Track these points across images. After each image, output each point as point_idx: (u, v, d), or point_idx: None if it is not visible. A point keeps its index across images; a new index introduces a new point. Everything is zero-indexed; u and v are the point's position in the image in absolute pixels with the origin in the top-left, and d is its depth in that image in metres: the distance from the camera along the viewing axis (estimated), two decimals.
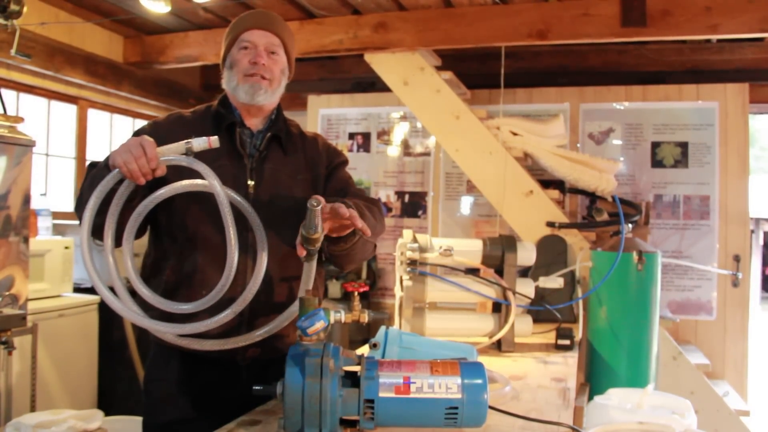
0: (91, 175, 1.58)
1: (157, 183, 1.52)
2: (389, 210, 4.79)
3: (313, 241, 1.45)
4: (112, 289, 1.52)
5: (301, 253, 1.50)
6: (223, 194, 1.48)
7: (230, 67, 1.78)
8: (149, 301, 1.53)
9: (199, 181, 1.53)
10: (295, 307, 1.63)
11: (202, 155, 1.51)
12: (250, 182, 1.71)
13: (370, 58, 3.93)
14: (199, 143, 1.50)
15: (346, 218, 1.45)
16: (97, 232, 1.50)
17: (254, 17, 1.81)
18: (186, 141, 1.50)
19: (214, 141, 1.51)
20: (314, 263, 1.57)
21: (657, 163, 4.36)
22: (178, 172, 1.54)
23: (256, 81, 1.73)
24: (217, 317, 1.50)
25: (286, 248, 1.71)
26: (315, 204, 1.37)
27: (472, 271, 2.50)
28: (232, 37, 1.78)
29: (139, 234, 1.63)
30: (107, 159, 1.52)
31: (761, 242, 13.70)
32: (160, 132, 1.70)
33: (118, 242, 1.52)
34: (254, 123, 1.80)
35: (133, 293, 1.56)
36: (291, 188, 1.76)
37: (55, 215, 3.89)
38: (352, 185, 1.90)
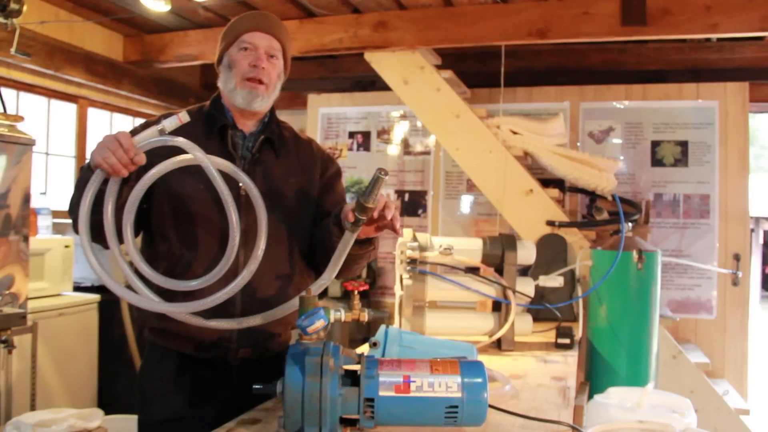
0: (77, 178, 1.59)
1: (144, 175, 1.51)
2: None
3: (367, 210, 1.47)
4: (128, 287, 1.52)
5: (350, 218, 1.51)
6: (207, 161, 1.47)
7: (228, 67, 1.77)
8: (158, 283, 1.51)
9: (183, 157, 1.51)
10: (294, 302, 1.63)
11: None
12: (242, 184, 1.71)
13: (370, 56, 3.93)
14: (171, 122, 1.49)
15: (388, 221, 1.52)
16: (93, 233, 1.49)
17: (256, 19, 1.80)
18: (156, 124, 1.49)
19: (183, 116, 1.50)
20: (355, 235, 1.55)
21: (657, 161, 4.36)
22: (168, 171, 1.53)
23: (254, 87, 1.72)
24: (226, 289, 1.48)
25: (277, 250, 1.72)
26: (383, 174, 1.41)
27: (472, 270, 2.50)
28: (232, 36, 1.77)
29: (134, 234, 1.64)
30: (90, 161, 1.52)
31: (761, 241, 13.69)
32: None
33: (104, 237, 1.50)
34: (247, 125, 1.80)
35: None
36: (283, 191, 1.77)
37: (55, 214, 3.89)
38: (345, 200, 1.93)
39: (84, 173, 1.53)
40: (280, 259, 1.74)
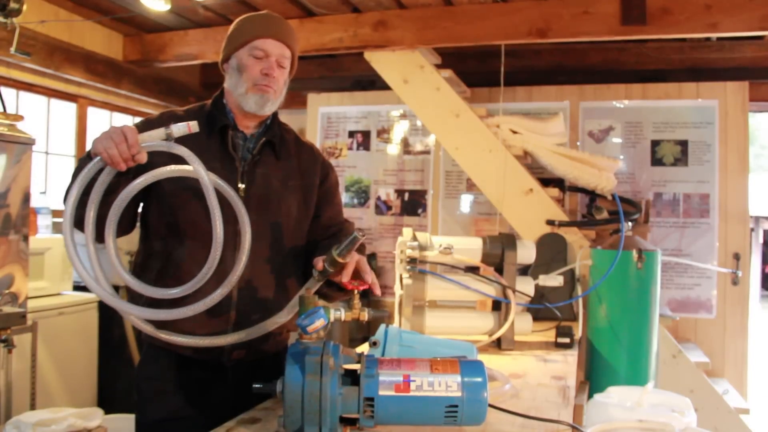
0: (75, 166, 1.58)
1: (143, 173, 1.51)
2: (389, 208, 4.79)
3: (338, 265, 1.51)
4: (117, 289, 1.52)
5: (319, 267, 1.54)
6: (206, 177, 1.47)
7: (238, 70, 1.74)
8: (134, 288, 1.51)
9: (181, 167, 1.51)
10: (281, 317, 1.66)
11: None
12: (241, 185, 1.71)
13: (369, 56, 3.92)
14: (179, 128, 1.49)
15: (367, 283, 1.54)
16: (81, 222, 1.48)
17: (269, 25, 1.77)
18: (166, 127, 1.49)
19: (193, 126, 1.50)
20: (318, 284, 1.58)
21: (657, 161, 4.36)
22: (164, 164, 1.53)
23: (265, 91, 1.71)
24: (207, 299, 1.49)
25: (274, 254, 1.73)
26: (361, 235, 1.45)
27: (472, 270, 2.50)
28: (243, 39, 1.74)
29: (129, 229, 1.65)
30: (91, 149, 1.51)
31: (761, 240, 13.70)
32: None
33: (101, 232, 1.49)
34: (249, 127, 1.79)
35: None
36: (281, 194, 1.76)
37: (55, 213, 3.89)
38: (342, 212, 1.96)
39: (82, 161, 1.52)
40: (276, 262, 1.74)
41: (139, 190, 1.50)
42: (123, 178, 1.50)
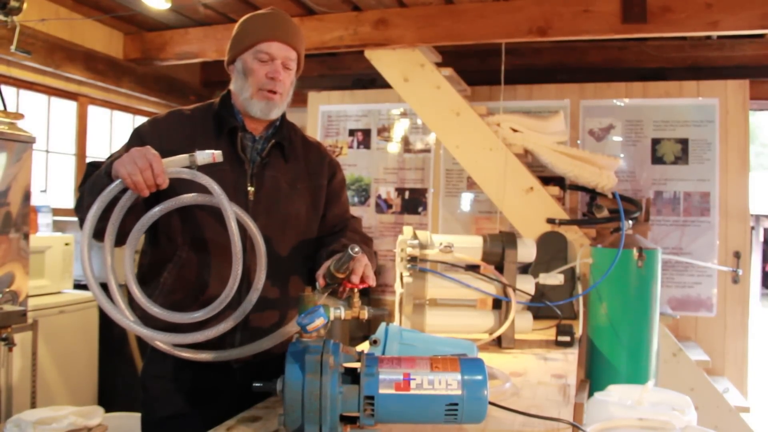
0: (91, 180, 1.57)
1: (160, 191, 1.51)
2: (389, 207, 4.79)
3: (337, 279, 1.52)
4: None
5: (322, 284, 1.55)
6: (230, 209, 1.48)
7: (244, 74, 1.72)
8: (154, 315, 1.52)
9: (204, 196, 1.53)
10: (288, 327, 1.68)
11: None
12: (250, 188, 1.70)
13: (370, 54, 3.92)
14: (203, 157, 1.50)
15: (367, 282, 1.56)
16: (97, 236, 1.49)
17: (275, 27, 1.74)
18: (190, 154, 1.50)
19: (218, 155, 1.51)
20: (324, 295, 1.59)
21: (657, 159, 4.36)
22: (182, 181, 1.53)
23: (270, 98, 1.70)
24: (216, 328, 1.51)
25: (283, 256, 1.72)
26: (357, 252, 1.46)
27: (473, 268, 2.50)
28: (248, 42, 1.72)
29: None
30: (109, 166, 1.50)
31: (761, 239, 13.70)
32: (160, 130, 1.69)
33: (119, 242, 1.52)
34: (257, 129, 1.78)
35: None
36: (290, 196, 1.76)
37: (56, 212, 3.89)
38: (348, 209, 1.96)
39: (100, 178, 1.52)
40: (284, 265, 1.74)
41: (158, 216, 1.52)
42: (140, 196, 1.50)
